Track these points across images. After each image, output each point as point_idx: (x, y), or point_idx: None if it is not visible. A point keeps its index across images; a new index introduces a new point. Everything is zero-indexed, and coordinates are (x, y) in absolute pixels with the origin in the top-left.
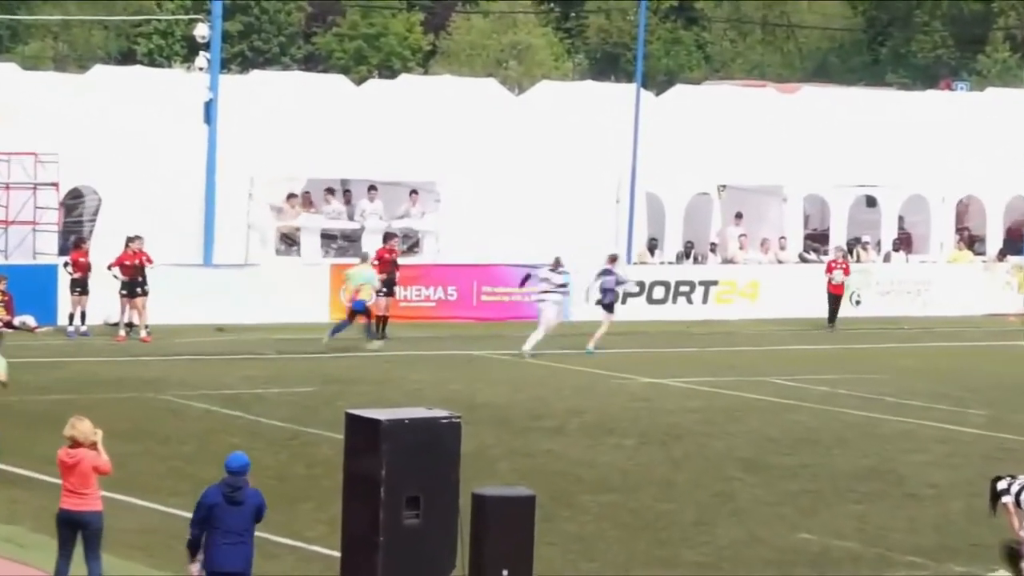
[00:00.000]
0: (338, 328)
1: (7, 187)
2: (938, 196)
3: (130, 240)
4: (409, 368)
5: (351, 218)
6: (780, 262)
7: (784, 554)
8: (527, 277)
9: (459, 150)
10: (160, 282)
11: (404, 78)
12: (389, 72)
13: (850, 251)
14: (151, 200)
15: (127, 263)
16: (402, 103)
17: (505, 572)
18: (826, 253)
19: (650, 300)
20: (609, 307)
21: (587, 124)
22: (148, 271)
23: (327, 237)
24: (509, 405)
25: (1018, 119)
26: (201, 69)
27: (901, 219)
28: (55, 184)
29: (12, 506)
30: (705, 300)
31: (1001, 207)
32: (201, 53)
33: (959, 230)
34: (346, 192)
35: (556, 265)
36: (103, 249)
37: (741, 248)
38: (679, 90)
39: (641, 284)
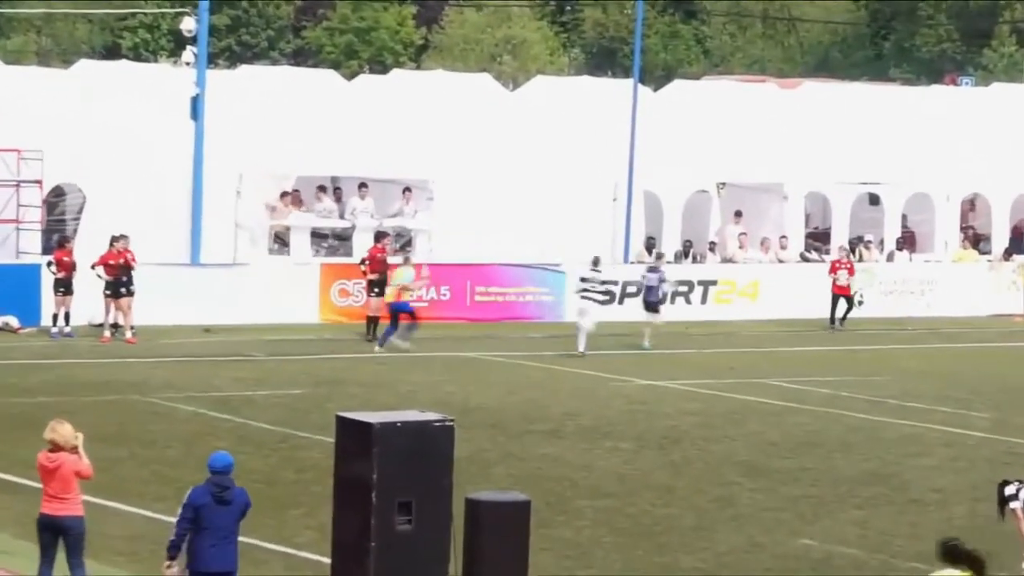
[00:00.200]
0: (387, 335)
1: None
2: (942, 194)
3: (115, 239)
4: (402, 370)
5: (342, 216)
6: (781, 261)
7: (785, 561)
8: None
9: (452, 147)
10: (146, 282)
11: (396, 73)
12: (380, 67)
13: (852, 250)
14: (137, 198)
15: (111, 263)
16: (394, 99)
17: None
18: (827, 252)
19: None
20: (654, 306)
21: (583, 120)
22: (133, 271)
23: (317, 236)
24: (504, 408)
25: None
26: (188, 64)
27: (904, 217)
28: (39, 182)
29: None
30: (704, 300)
31: (1007, 205)
32: (188, 47)
33: (964, 229)
34: (336, 190)
35: (595, 264)
36: (88, 248)
37: (741, 247)
38: (677, 85)
39: (688, 284)
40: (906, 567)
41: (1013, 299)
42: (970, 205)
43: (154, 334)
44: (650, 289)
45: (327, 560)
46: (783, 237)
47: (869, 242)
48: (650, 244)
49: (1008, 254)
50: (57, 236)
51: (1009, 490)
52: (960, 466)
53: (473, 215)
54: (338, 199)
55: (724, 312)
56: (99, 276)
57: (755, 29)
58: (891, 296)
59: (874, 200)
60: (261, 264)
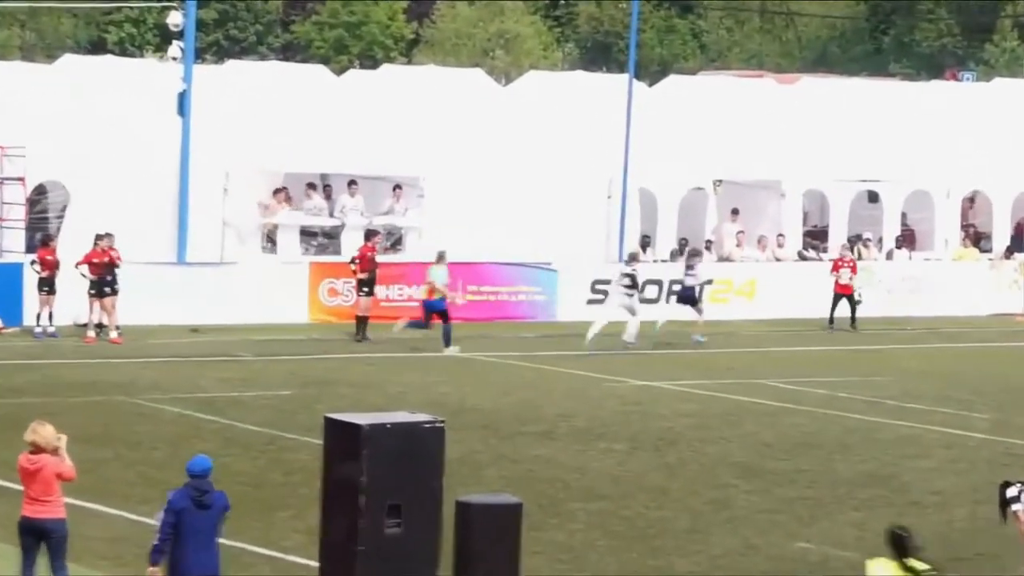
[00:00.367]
0: (446, 334)
1: None
2: (943, 191)
3: (99, 237)
4: (392, 371)
5: (332, 214)
6: (778, 260)
7: (781, 564)
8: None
9: (443, 143)
10: (132, 281)
11: (386, 68)
12: (371, 62)
13: (851, 248)
14: (122, 195)
15: (95, 261)
16: (384, 94)
17: None
18: (825, 251)
19: (642, 299)
20: (692, 301)
21: (577, 116)
22: (118, 270)
23: (307, 234)
24: (496, 409)
25: None
26: (175, 59)
27: (904, 215)
28: (21, 179)
29: None
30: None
31: (1008, 202)
32: (174, 42)
33: (965, 227)
34: (326, 187)
35: (632, 260)
36: (72, 247)
37: (738, 245)
38: (673, 80)
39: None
40: None
41: (1014, 298)
42: (970, 202)
43: (140, 334)
44: (686, 288)
45: (315, 564)
46: (780, 235)
47: (868, 240)
48: (645, 242)
49: (1009, 252)
50: (40, 234)
51: (1011, 492)
52: (960, 468)
53: (465, 213)
54: (328, 196)
55: (720, 312)
56: (83, 275)
57: (752, 23)
58: (891, 295)
59: (873, 198)
60: (249, 263)
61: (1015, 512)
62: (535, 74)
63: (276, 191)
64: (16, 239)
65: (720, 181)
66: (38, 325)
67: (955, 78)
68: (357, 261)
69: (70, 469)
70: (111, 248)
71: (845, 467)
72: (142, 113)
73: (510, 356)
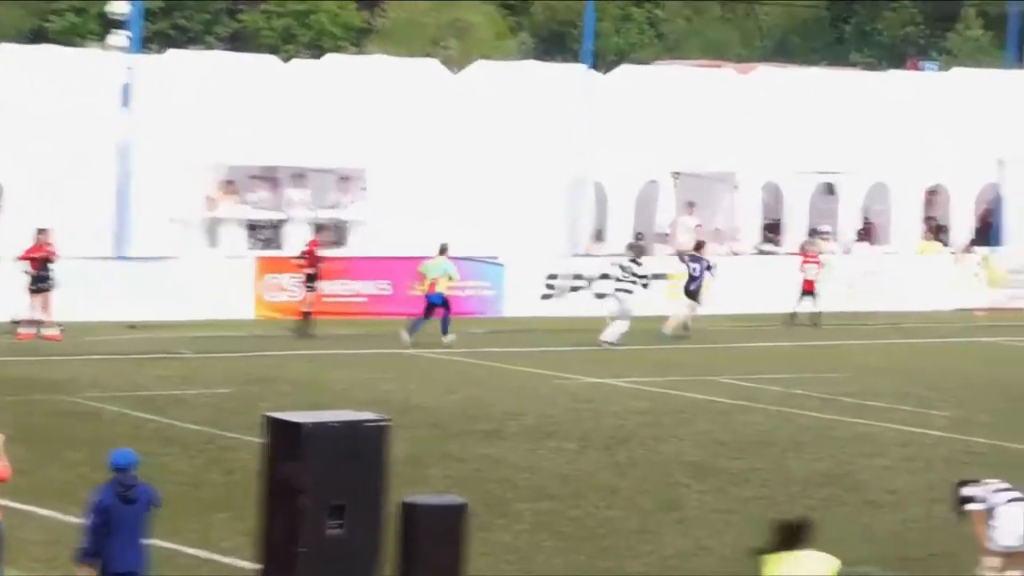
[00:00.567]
0: (416, 324)
1: None
2: (904, 183)
3: (39, 232)
4: (336, 368)
5: (278, 208)
6: (735, 254)
7: (733, 564)
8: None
9: (390, 134)
10: (70, 276)
11: (330, 57)
12: (320, 52)
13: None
14: (61, 189)
15: (35, 256)
16: (329, 84)
17: None
18: (779, 244)
19: (597, 295)
20: (694, 295)
21: (529, 107)
22: (52, 264)
23: (253, 228)
24: (443, 407)
25: (988, 101)
26: (119, 48)
27: (864, 208)
28: None
29: None
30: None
31: (971, 195)
32: (117, 30)
33: (927, 219)
34: (272, 180)
35: (636, 253)
36: (7, 242)
37: (700, 238)
38: (626, 70)
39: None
40: (859, 571)
41: (976, 293)
42: (932, 195)
43: (78, 331)
44: (693, 279)
45: (255, 566)
46: (735, 229)
47: (826, 234)
48: (597, 236)
49: (971, 245)
50: None
51: (967, 491)
52: (916, 466)
53: (412, 206)
54: (274, 189)
55: (674, 307)
56: (25, 272)
57: (712, 12)
58: (851, 290)
59: (831, 190)
60: (192, 258)
61: (972, 511)
62: (486, 63)
63: (227, 183)
64: None
65: (679, 174)
66: None
67: (916, 67)
68: (305, 256)
69: (6, 468)
70: (47, 243)
71: (799, 466)
72: (84, 104)
73: (457, 352)
